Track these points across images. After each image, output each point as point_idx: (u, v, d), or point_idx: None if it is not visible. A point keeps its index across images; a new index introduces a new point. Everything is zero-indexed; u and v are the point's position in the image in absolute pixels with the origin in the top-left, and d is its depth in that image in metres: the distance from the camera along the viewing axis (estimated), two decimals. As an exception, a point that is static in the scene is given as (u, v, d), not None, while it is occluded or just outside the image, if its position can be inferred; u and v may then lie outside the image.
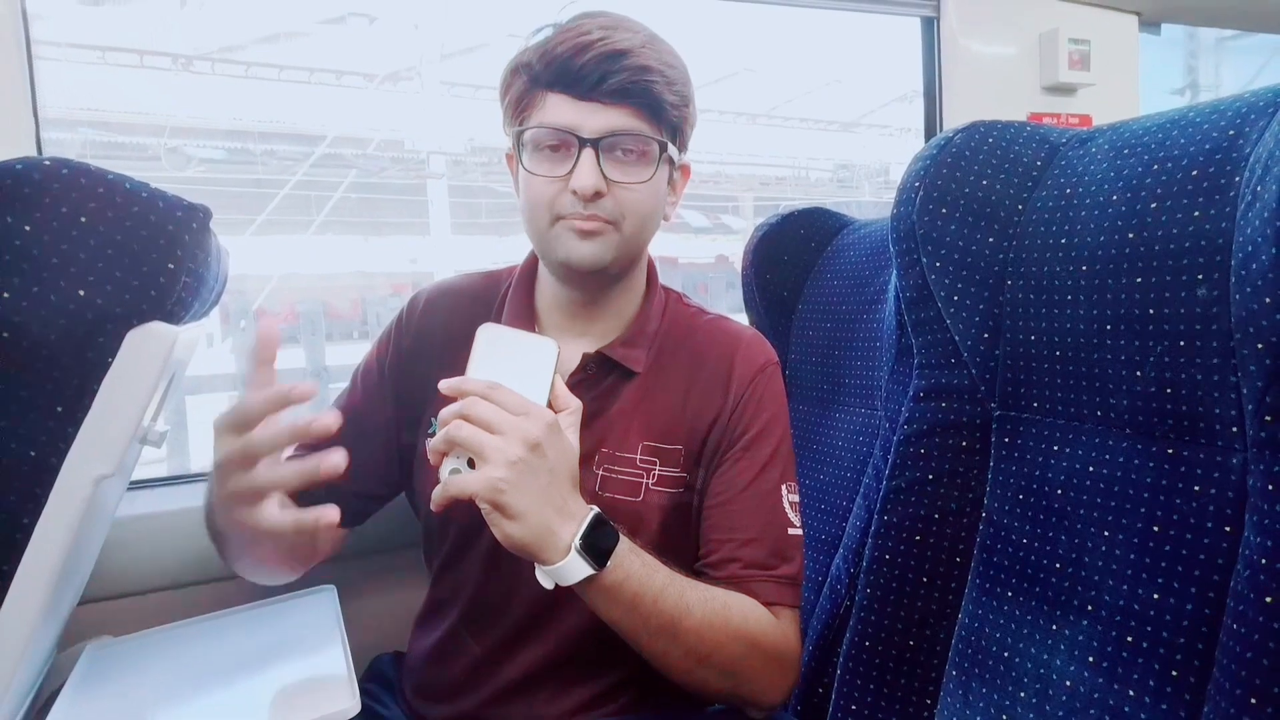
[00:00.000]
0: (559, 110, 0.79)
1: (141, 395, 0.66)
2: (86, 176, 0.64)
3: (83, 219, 0.62)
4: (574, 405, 0.75)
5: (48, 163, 0.63)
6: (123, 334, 0.64)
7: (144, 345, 0.65)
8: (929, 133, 1.76)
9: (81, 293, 0.62)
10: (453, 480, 0.67)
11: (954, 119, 1.68)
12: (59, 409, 0.64)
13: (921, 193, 0.81)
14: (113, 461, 0.66)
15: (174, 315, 0.68)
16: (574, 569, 0.69)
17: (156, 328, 0.66)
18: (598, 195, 0.79)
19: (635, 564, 0.73)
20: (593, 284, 0.87)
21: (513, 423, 0.67)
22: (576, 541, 0.69)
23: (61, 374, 0.63)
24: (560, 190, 0.80)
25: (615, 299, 0.90)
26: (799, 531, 0.86)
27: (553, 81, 0.79)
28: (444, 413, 0.69)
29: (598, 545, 0.70)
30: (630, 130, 0.80)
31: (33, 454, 0.64)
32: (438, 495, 0.68)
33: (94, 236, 0.62)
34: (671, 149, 0.83)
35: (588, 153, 0.78)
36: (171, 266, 0.66)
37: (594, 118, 0.78)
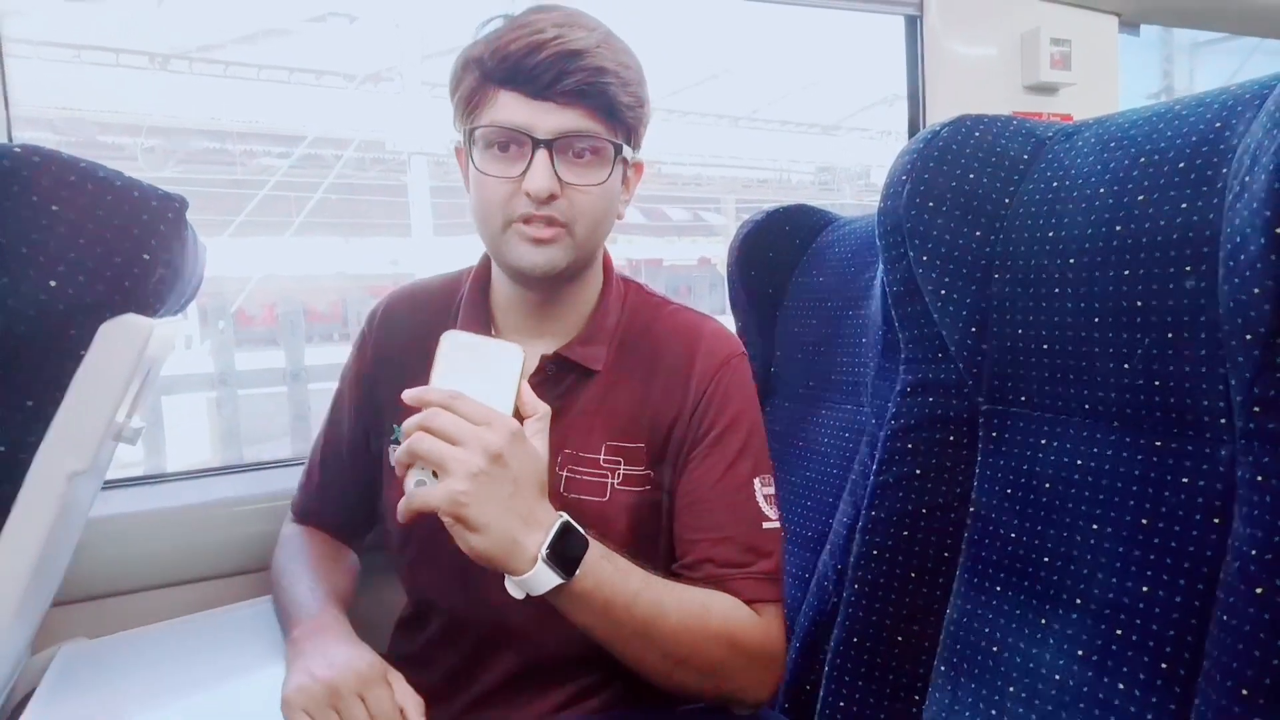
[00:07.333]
0: (511, 109, 0.77)
1: (115, 390, 0.65)
2: (57, 164, 0.62)
3: (54, 207, 0.61)
4: (542, 410, 0.74)
5: (18, 149, 0.61)
6: (96, 326, 0.63)
7: (118, 338, 0.64)
8: (912, 132, 1.76)
9: (52, 283, 0.61)
10: (417, 493, 0.66)
11: (937, 118, 1.68)
12: (29, 403, 0.62)
13: (909, 186, 0.81)
14: (86, 457, 0.64)
15: (149, 308, 0.66)
16: (542, 579, 0.68)
17: (131, 320, 0.64)
18: (551, 197, 0.77)
19: (607, 570, 0.72)
20: (547, 285, 0.85)
21: (474, 433, 0.66)
22: (543, 551, 0.67)
23: (32, 367, 0.62)
24: (514, 191, 0.78)
25: (571, 297, 0.88)
26: (775, 525, 0.84)
27: (505, 79, 0.77)
28: (407, 424, 0.67)
29: (566, 554, 0.69)
30: (585, 131, 0.78)
31: (1, 449, 0.62)
32: (403, 507, 0.67)
33: (65, 225, 0.61)
34: (626, 150, 0.82)
35: (541, 154, 0.76)
36: (146, 257, 0.64)
37: (548, 118, 0.76)
